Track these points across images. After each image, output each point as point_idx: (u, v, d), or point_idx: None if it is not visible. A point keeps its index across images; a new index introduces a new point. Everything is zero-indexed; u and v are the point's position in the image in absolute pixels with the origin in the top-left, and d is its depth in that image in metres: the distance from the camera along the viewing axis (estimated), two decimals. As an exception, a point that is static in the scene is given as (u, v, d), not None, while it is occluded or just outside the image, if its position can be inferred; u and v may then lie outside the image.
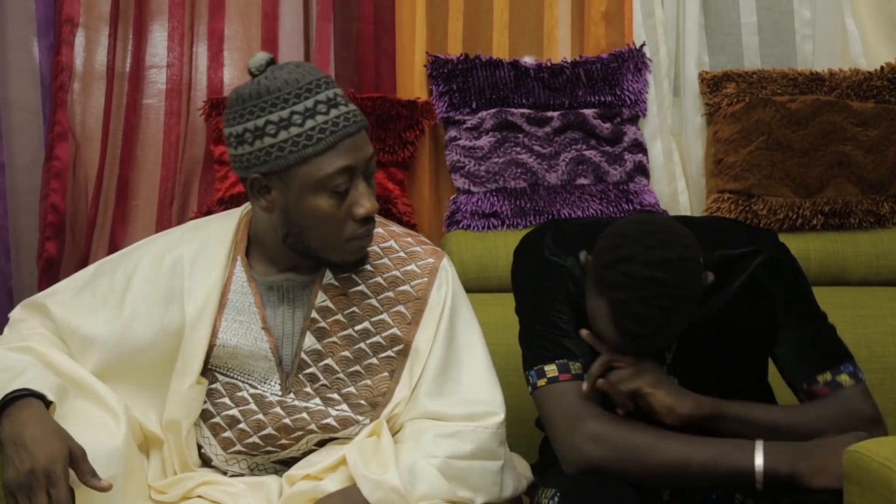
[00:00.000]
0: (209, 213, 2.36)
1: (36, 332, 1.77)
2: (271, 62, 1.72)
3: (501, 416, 1.80)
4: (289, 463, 1.81)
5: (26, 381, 1.61)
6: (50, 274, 2.46)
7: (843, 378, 1.81)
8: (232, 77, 2.59)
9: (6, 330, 1.82)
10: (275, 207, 1.73)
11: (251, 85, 1.70)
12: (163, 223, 2.53)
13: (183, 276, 1.80)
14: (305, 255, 1.78)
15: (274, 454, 1.81)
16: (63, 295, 1.83)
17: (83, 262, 2.51)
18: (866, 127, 2.62)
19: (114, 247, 2.53)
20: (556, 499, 1.73)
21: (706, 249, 1.75)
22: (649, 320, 1.64)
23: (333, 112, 1.69)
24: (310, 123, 1.67)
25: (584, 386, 1.74)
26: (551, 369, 1.79)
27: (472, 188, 2.57)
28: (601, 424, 1.74)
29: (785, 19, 2.82)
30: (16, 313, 1.84)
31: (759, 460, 1.70)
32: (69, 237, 2.50)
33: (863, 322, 2.41)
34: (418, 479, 1.69)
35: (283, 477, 1.77)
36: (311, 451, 1.81)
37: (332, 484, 1.71)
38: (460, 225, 2.56)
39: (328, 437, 1.81)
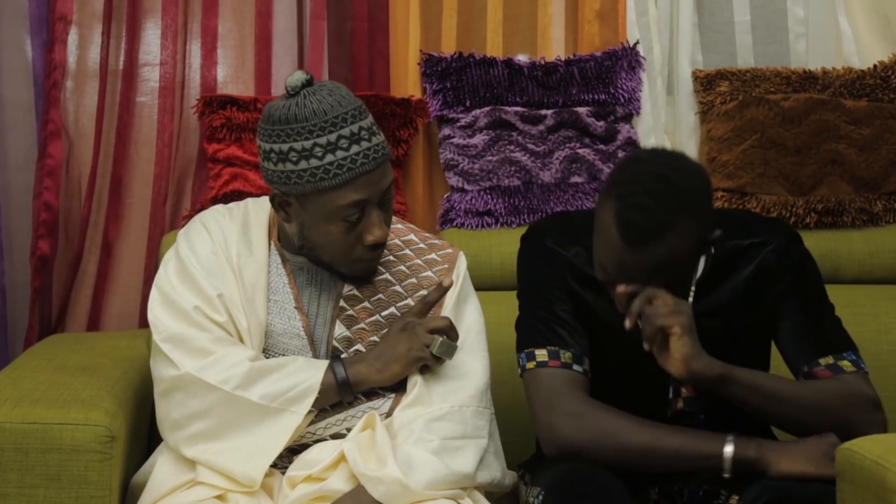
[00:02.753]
0: (202, 210, 2.35)
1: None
2: (307, 83, 1.76)
3: (478, 406, 1.84)
4: (296, 451, 1.82)
5: (312, 361, 1.81)
6: (43, 272, 2.46)
7: (845, 364, 1.82)
8: (225, 75, 2.59)
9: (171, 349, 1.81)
10: (292, 220, 1.82)
11: (283, 107, 1.75)
12: (156, 221, 2.53)
13: (235, 252, 1.87)
14: (318, 264, 1.87)
15: None
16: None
17: (76, 261, 2.51)
18: (859, 125, 2.63)
19: (107, 245, 2.52)
20: (541, 497, 1.74)
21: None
22: (652, 213, 1.66)
23: (354, 148, 1.74)
24: (329, 158, 1.73)
25: (627, 323, 1.73)
26: (542, 354, 1.83)
27: (466, 186, 2.57)
28: (579, 406, 1.77)
29: (778, 18, 2.83)
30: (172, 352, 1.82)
31: (728, 447, 1.73)
32: (62, 235, 2.50)
33: (856, 320, 2.41)
34: (417, 468, 1.71)
35: (284, 479, 1.78)
36: (321, 440, 1.82)
37: (337, 482, 1.73)
38: (454, 223, 2.56)
39: (342, 431, 1.82)
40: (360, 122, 1.77)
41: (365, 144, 1.76)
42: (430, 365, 1.82)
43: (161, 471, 1.81)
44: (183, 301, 1.82)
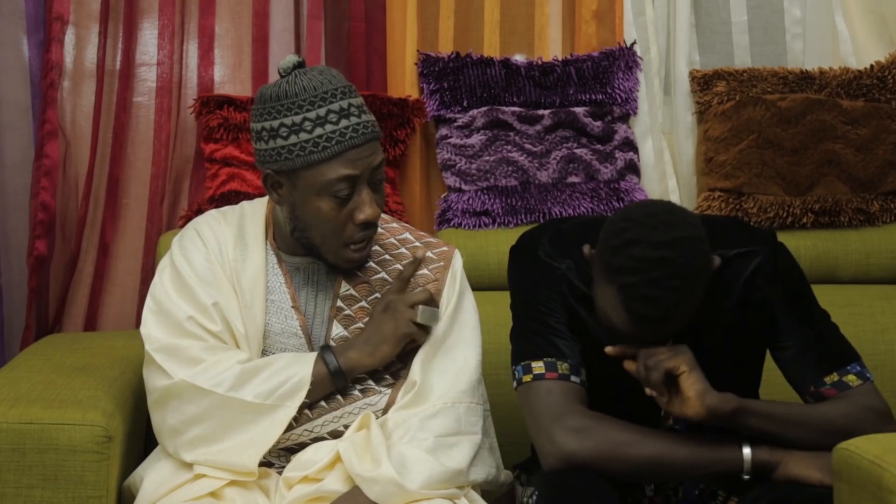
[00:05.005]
0: (199, 211, 2.35)
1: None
2: (299, 65, 1.80)
3: (471, 401, 1.85)
4: (293, 450, 1.83)
5: (300, 355, 1.82)
6: (40, 272, 2.46)
7: (851, 378, 1.80)
8: (222, 75, 2.59)
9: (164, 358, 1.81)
10: (284, 202, 1.83)
11: (275, 86, 1.79)
12: (153, 221, 2.52)
13: (231, 258, 1.88)
14: (310, 250, 1.86)
15: (286, 435, 1.82)
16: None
17: (73, 261, 2.51)
18: (856, 125, 2.63)
19: (104, 245, 2.52)
20: (535, 497, 1.73)
21: None
22: (660, 302, 1.62)
23: (343, 122, 1.76)
24: (318, 131, 1.75)
25: (647, 391, 1.70)
26: (538, 366, 1.79)
27: (463, 186, 2.57)
28: (583, 420, 1.73)
29: (775, 18, 2.83)
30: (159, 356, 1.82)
31: (746, 449, 1.72)
32: (59, 235, 2.50)
33: (853, 320, 2.41)
34: (412, 468, 1.72)
35: (281, 479, 1.78)
36: (319, 438, 1.83)
37: (334, 483, 1.73)
38: (451, 223, 2.56)
39: (339, 428, 1.82)
40: (350, 99, 1.79)
41: (354, 120, 1.77)
42: (417, 339, 1.83)
43: (158, 474, 1.81)
44: (178, 311, 1.83)
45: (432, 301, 1.84)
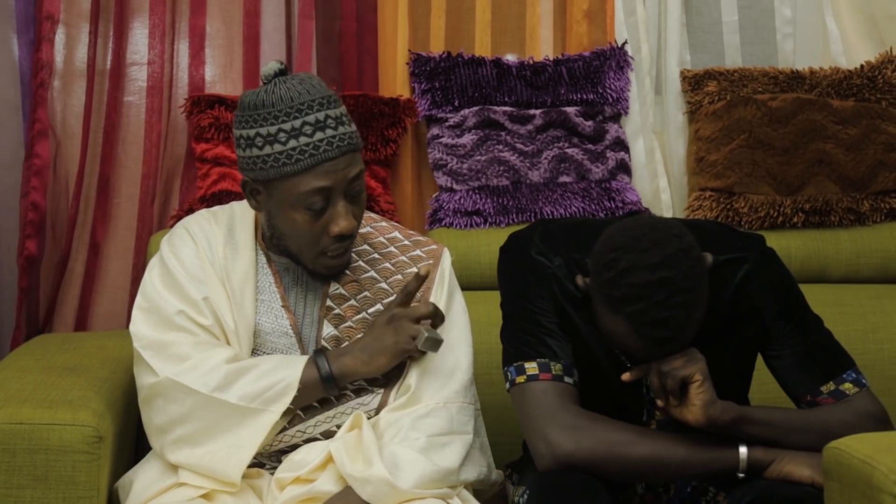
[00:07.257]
0: (190, 211, 2.35)
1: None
2: (281, 73, 1.78)
3: (463, 401, 1.85)
4: (285, 451, 1.82)
5: (290, 358, 1.81)
6: (30, 272, 2.45)
7: (847, 386, 1.81)
8: (213, 75, 2.59)
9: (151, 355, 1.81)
10: (262, 209, 1.83)
11: (255, 94, 1.78)
12: (144, 221, 2.52)
13: (221, 256, 1.88)
14: (288, 256, 1.87)
15: (278, 437, 1.82)
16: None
17: (64, 261, 2.51)
18: (846, 125, 2.64)
19: (94, 245, 2.52)
20: (526, 496, 1.74)
21: None
22: (671, 321, 1.62)
23: (318, 135, 1.74)
24: (292, 143, 1.74)
25: (659, 402, 1.71)
26: (532, 367, 1.78)
27: (455, 186, 2.57)
28: (579, 420, 1.73)
29: (766, 18, 2.84)
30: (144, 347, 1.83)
31: (742, 447, 1.72)
32: (50, 235, 2.49)
33: (843, 319, 2.42)
34: (404, 467, 1.72)
35: (273, 480, 1.78)
36: (311, 439, 1.82)
37: (326, 483, 1.73)
38: (443, 223, 2.56)
39: (332, 428, 1.82)
40: (328, 110, 1.76)
41: (330, 132, 1.75)
42: (415, 356, 1.83)
43: (146, 475, 1.81)
44: (168, 306, 1.82)
45: (438, 316, 1.81)
